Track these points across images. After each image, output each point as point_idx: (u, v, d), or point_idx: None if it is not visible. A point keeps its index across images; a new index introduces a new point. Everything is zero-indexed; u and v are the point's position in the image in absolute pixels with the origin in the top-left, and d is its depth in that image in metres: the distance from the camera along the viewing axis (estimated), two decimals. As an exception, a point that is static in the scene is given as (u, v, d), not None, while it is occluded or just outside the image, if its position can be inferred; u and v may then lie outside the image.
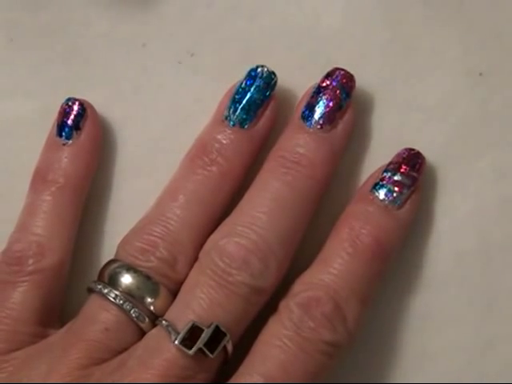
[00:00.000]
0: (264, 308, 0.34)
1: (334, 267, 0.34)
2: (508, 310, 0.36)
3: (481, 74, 0.37)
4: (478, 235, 0.36)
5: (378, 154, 0.37)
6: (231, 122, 0.35)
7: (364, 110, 0.37)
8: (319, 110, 0.35)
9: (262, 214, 0.34)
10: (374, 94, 0.37)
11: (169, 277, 0.34)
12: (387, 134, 0.37)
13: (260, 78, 0.36)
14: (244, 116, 0.35)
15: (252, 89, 0.36)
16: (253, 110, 0.35)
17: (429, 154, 0.36)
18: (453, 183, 0.37)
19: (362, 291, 0.34)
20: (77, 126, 0.37)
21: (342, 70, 0.36)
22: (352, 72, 0.36)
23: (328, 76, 0.36)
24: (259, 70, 0.36)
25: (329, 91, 0.35)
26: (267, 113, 0.36)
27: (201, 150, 0.35)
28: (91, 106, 0.37)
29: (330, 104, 0.35)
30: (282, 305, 0.34)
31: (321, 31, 0.37)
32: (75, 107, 0.37)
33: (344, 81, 0.35)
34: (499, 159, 0.37)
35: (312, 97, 0.35)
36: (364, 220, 0.34)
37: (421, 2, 0.37)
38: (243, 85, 0.36)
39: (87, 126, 0.37)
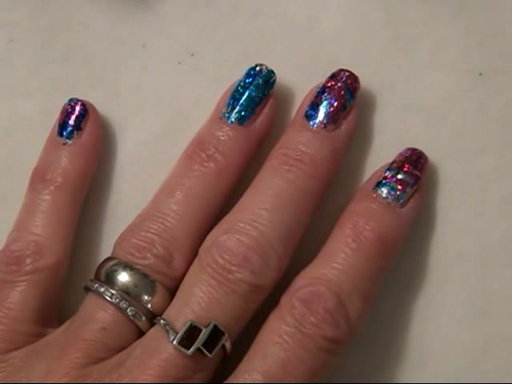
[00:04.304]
0: (265, 304, 0.34)
1: (338, 262, 0.34)
2: (507, 309, 0.36)
3: (481, 74, 0.37)
4: (477, 235, 0.36)
5: (378, 153, 0.37)
6: (229, 119, 0.35)
7: (364, 109, 0.37)
8: (323, 110, 0.35)
9: (263, 211, 0.34)
10: (374, 94, 0.37)
11: (165, 274, 0.34)
12: (387, 133, 0.37)
13: (259, 76, 0.36)
14: (242, 113, 0.35)
15: (251, 86, 0.36)
16: (251, 108, 0.35)
17: (429, 154, 0.36)
18: (453, 183, 0.36)
19: (365, 287, 0.34)
20: (78, 126, 0.37)
21: (347, 71, 0.36)
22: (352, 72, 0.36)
23: (333, 77, 0.36)
24: (258, 68, 0.36)
25: (333, 91, 0.35)
26: (265, 110, 0.36)
27: (198, 147, 0.35)
28: (93, 107, 0.37)
29: (335, 104, 0.35)
30: (284, 300, 0.34)
31: (321, 31, 0.37)
32: (77, 107, 0.37)
33: (349, 82, 0.35)
34: (499, 159, 0.36)
35: (316, 97, 0.35)
36: (367, 216, 0.34)
37: (421, 2, 0.37)
38: (242, 83, 0.36)
39: (88, 127, 0.37)
